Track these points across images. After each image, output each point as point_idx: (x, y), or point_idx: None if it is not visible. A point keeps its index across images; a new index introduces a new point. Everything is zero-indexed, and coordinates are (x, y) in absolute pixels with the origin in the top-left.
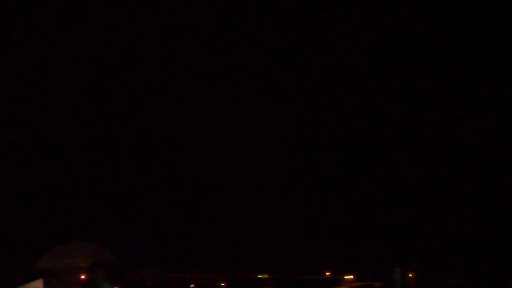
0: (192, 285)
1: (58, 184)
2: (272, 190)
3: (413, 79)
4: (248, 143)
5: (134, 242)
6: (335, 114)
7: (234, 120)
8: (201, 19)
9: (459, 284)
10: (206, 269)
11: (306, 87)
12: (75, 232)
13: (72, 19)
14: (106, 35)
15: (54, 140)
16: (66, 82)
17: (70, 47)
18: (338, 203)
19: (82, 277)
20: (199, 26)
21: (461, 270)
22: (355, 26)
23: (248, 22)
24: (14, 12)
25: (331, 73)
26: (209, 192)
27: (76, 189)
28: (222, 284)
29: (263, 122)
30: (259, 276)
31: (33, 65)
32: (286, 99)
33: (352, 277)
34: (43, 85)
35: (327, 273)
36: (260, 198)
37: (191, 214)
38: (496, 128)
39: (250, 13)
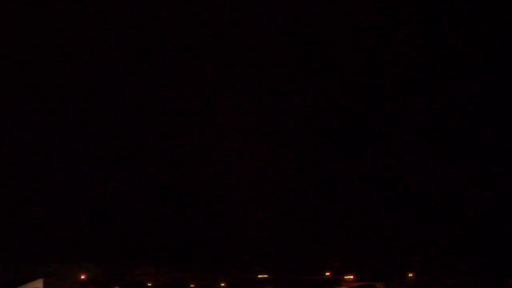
0: (192, 285)
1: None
2: (272, 191)
3: (413, 80)
4: (248, 144)
5: (134, 243)
6: (335, 114)
7: (233, 122)
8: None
9: (459, 284)
10: (206, 269)
11: (303, 91)
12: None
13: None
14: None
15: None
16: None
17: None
18: (338, 203)
19: (82, 277)
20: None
21: (461, 270)
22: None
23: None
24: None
25: (330, 73)
26: (210, 193)
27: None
28: (222, 284)
29: (264, 123)
30: (259, 276)
31: None
32: (285, 102)
33: (352, 277)
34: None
35: (327, 273)
36: (260, 199)
37: (191, 214)
38: (495, 129)
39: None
